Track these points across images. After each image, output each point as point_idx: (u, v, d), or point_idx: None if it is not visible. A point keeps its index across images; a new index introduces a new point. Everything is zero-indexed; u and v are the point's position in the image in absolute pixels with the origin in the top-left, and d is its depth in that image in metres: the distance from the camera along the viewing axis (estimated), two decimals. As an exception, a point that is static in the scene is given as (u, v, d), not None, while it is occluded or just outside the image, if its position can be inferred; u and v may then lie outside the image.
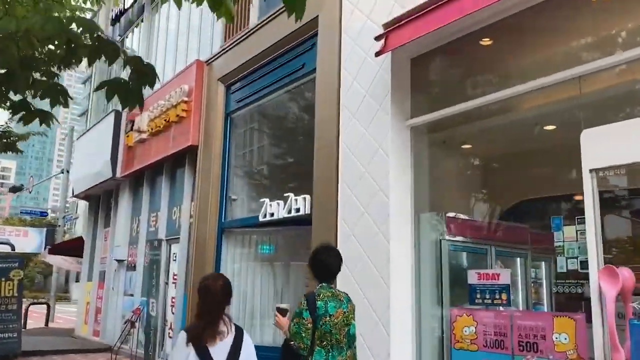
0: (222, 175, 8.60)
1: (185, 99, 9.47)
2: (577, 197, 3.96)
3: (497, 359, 4.27)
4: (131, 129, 11.63)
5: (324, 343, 3.47)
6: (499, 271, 4.49)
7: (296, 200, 6.73)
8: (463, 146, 6.02)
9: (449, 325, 4.72)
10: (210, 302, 2.93)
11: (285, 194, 6.95)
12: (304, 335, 3.43)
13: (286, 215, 6.89)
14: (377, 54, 5.12)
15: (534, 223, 5.88)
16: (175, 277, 9.30)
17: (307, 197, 6.59)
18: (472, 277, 4.59)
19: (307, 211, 6.55)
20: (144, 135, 11.01)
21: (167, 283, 8.78)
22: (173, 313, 9.24)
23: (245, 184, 8.73)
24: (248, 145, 8.84)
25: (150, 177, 11.41)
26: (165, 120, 10.01)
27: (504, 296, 4.38)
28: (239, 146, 8.84)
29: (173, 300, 9.25)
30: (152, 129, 10.53)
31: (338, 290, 3.73)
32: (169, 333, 9.06)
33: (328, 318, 3.48)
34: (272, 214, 7.17)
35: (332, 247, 4.09)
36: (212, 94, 9.06)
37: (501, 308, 4.39)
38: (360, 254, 5.40)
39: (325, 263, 3.74)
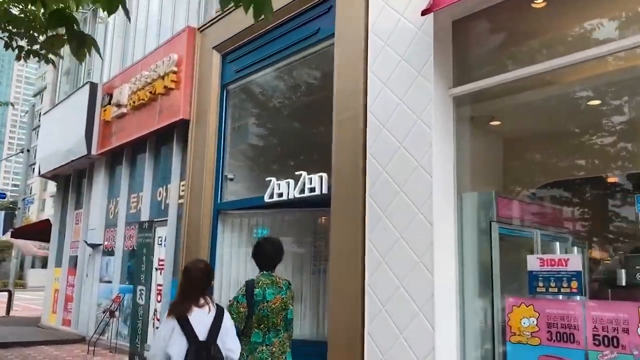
0: (217, 152, 7.88)
1: (175, 69, 8.66)
2: None
3: (566, 354, 3.81)
4: (109, 103, 10.71)
5: (262, 326, 3.81)
6: (567, 256, 4.01)
7: (310, 179, 6.11)
8: (505, 120, 5.49)
9: (503, 316, 4.24)
10: (190, 281, 3.29)
11: (297, 173, 6.32)
12: (235, 317, 3.70)
13: (298, 195, 6.26)
14: (424, 13, 4.52)
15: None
16: (161, 262, 8.55)
17: (324, 175, 5.97)
18: (533, 264, 4.10)
19: (324, 191, 5.93)
20: (124, 109, 10.14)
21: (157, 269, 8.03)
22: (159, 301, 8.51)
23: (245, 162, 8.05)
24: (249, 120, 8.15)
25: (131, 155, 10.55)
26: (150, 92, 9.18)
27: (573, 284, 3.89)
28: (238, 121, 8.13)
29: (159, 287, 8.51)
30: (134, 102, 9.67)
31: (279, 278, 4.03)
32: (153, 323, 8.33)
33: (266, 304, 3.81)
34: (280, 195, 6.52)
35: (273, 239, 4.33)
36: (205, 63, 8.28)
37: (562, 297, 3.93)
38: (394, 238, 4.84)
39: (266, 254, 4.08)
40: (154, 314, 8.00)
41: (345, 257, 5.34)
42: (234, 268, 7.59)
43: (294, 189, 6.34)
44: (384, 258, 4.92)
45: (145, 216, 9.39)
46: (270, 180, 6.68)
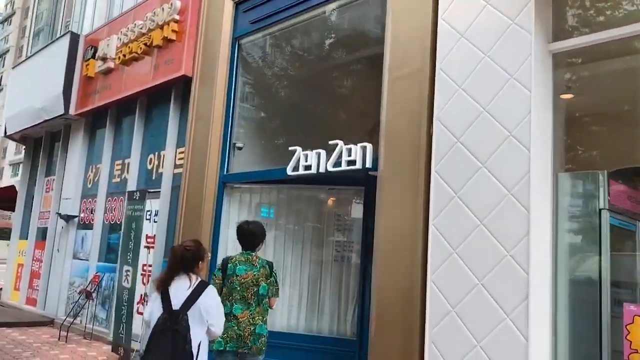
0: (226, 116, 6.76)
1: (177, 17, 7.47)
2: None
3: None
4: (92, 57, 9.41)
5: (230, 298, 4.12)
6: None
7: (349, 149, 5.09)
8: (608, 85, 4.54)
9: (617, 327, 3.36)
10: (173, 260, 3.51)
11: (332, 142, 5.29)
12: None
13: (332, 169, 5.24)
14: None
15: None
16: (150, 239, 7.41)
17: (368, 145, 4.97)
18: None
19: (368, 164, 4.93)
20: (112, 64, 8.88)
21: (145, 247, 6.87)
22: (145, 284, 7.38)
23: (258, 129, 6.98)
24: (266, 79, 7.06)
25: (117, 116, 9.29)
26: (145, 44, 7.95)
27: None
28: (253, 80, 7.03)
29: (145, 268, 7.38)
30: (124, 56, 8.42)
31: (255, 257, 4.27)
32: (137, 308, 7.22)
33: (235, 277, 4.14)
34: (308, 167, 5.48)
35: (254, 222, 4.52)
36: (214, 12, 7.12)
37: None
38: (472, 224, 3.89)
39: (244, 235, 4.36)
40: (142, 298, 6.89)
41: (398, 246, 4.37)
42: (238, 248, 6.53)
43: (326, 161, 5.32)
44: (455, 249, 3.97)
45: (132, 186, 8.20)
46: (295, 150, 5.63)
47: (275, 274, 4.32)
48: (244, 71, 7.03)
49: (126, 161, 8.72)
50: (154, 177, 8.00)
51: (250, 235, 4.32)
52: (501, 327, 3.63)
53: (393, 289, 4.36)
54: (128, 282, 6.61)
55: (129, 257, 6.69)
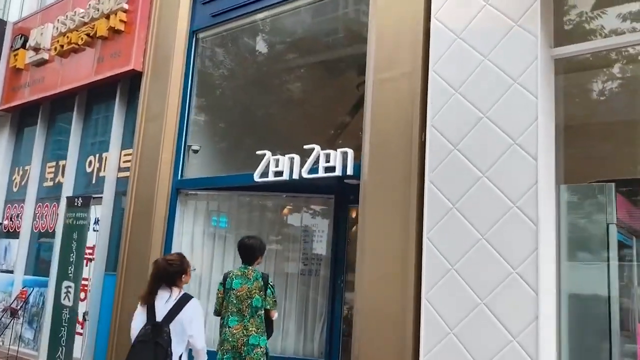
0: (181, 115, 6.18)
1: (126, 6, 6.78)
2: None
3: None
4: (23, 46, 8.47)
5: (227, 311, 4.27)
6: None
7: (327, 155, 4.70)
8: (606, 93, 4.39)
9: (632, 343, 3.18)
10: (156, 274, 3.52)
11: (307, 146, 4.89)
12: (216, 301, 4.45)
13: (307, 175, 4.83)
14: None
15: None
16: (90, 250, 6.65)
17: (349, 151, 4.61)
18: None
19: (350, 171, 4.57)
20: (46, 55, 8.00)
21: (91, 260, 6.09)
22: (83, 300, 6.59)
23: (218, 131, 6.45)
24: (227, 77, 6.54)
25: (50, 113, 8.39)
26: (88, 35, 7.19)
27: None
28: (212, 78, 6.49)
29: (85, 282, 6.61)
30: (61, 47, 7.59)
31: (251, 271, 4.35)
32: (86, 327, 6.39)
33: (232, 291, 4.29)
34: (279, 173, 5.04)
35: (253, 237, 4.63)
36: (169, 2, 6.53)
37: None
38: (472, 238, 3.61)
39: (244, 249, 4.45)
40: (83, 318, 6.11)
41: (386, 261, 4.02)
42: (196, 262, 5.96)
43: (300, 167, 4.91)
44: (453, 265, 3.67)
45: (68, 191, 7.38)
46: (264, 155, 5.17)
47: (272, 286, 4.38)
48: (202, 67, 6.49)
49: (60, 163, 7.87)
50: (94, 181, 7.23)
51: (247, 249, 4.42)
52: (507, 351, 3.35)
53: (381, 307, 4.00)
54: (69, 300, 5.85)
55: (69, 272, 5.93)
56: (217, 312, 4.40)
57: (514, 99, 3.62)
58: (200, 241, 6.10)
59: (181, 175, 6.12)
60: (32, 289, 7.51)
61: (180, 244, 5.98)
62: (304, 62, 6.23)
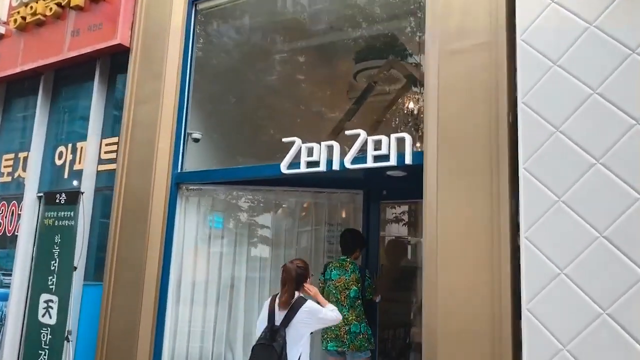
0: (180, 98, 5.31)
1: (108, -29, 5.83)
2: None
3: None
4: (-27, 19, 7.25)
5: (330, 300, 4.34)
6: None
7: (377, 142, 4.01)
8: None
9: None
10: (288, 278, 3.69)
11: (349, 132, 4.19)
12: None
13: (351, 166, 4.12)
14: None
15: None
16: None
17: (407, 137, 3.94)
18: None
19: (409, 160, 3.90)
20: (2, 29, 6.86)
21: (76, 268, 5.03)
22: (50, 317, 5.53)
23: (224, 117, 5.62)
24: (234, 55, 5.72)
25: (5, 96, 7.22)
26: (58, 4, 6.15)
27: None
28: (215, 56, 5.65)
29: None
30: (23, 19, 6.49)
31: (351, 263, 4.62)
32: (67, 348, 5.32)
33: (331, 282, 4.58)
34: (314, 164, 4.30)
35: (352, 230, 4.88)
36: (162, -32, 5.64)
37: None
38: (586, 237, 3.02)
39: (344, 241, 4.76)
40: (65, 338, 5.06)
41: (469, 269, 3.39)
42: (199, 269, 5.13)
43: (341, 156, 4.20)
44: (564, 269, 3.07)
45: (32, 187, 6.28)
46: (292, 142, 4.42)
47: (369, 277, 4.68)
48: (204, 44, 5.63)
49: (21, 155, 6.75)
50: (66, 176, 6.19)
51: (347, 241, 4.70)
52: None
53: (467, 326, 3.35)
54: (51, 317, 4.84)
55: (50, 283, 4.91)
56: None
57: (632, 72, 3.07)
58: (206, 244, 5.25)
59: (181, 168, 5.25)
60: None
61: (182, 247, 5.12)
62: (327, 39, 5.52)
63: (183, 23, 5.43)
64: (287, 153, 4.42)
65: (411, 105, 5.05)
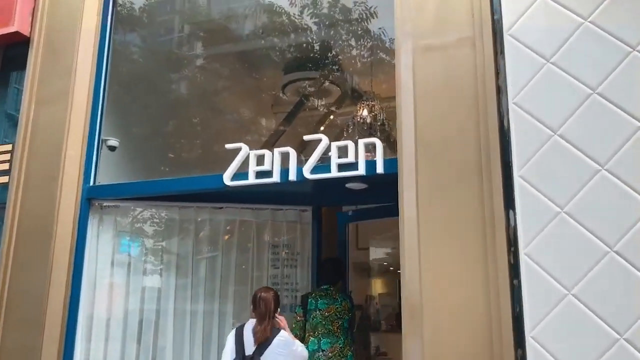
0: (94, 100, 4.47)
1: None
2: None
3: None
4: None
5: (316, 333, 4.08)
6: None
7: (343, 149, 3.50)
8: None
9: None
10: (264, 306, 3.42)
11: (307, 138, 3.64)
12: (295, 326, 4.14)
13: (311, 176, 3.55)
14: None
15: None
16: None
17: (378, 143, 3.46)
18: None
19: (381, 169, 3.41)
20: None
21: None
22: None
23: (145, 122, 4.82)
24: (159, 51, 4.98)
25: None
26: None
27: None
28: (137, 51, 4.86)
29: None
30: None
31: (335, 292, 4.20)
32: None
33: (318, 312, 4.09)
34: (265, 174, 3.68)
35: (334, 259, 4.49)
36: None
37: None
38: (595, 252, 2.69)
39: (325, 270, 4.34)
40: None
41: (460, 295, 2.94)
42: (117, 301, 4.28)
43: (297, 165, 3.63)
44: (571, 289, 2.71)
45: None
46: (239, 150, 3.78)
47: (354, 306, 4.37)
48: (123, 43, 4.85)
49: None
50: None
51: (329, 272, 4.29)
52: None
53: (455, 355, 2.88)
54: None
55: None
56: (299, 338, 3.99)
57: (633, 71, 2.82)
58: (124, 271, 4.39)
59: (94, 180, 4.38)
60: None
61: (95, 274, 4.23)
62: (258, 35, 4.99)
63: (99, 15, 4.63)
64: (229, 163, 3.78)
65: (365, 113, 4.60)
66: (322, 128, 5.84)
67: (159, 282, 4.40)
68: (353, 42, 5.71)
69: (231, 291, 4.44)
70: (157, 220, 4.59)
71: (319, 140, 3.58)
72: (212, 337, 4.41)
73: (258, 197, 4.46)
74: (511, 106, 3.02)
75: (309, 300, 4.16)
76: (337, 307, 4.12)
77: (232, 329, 3.64)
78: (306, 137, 3.65)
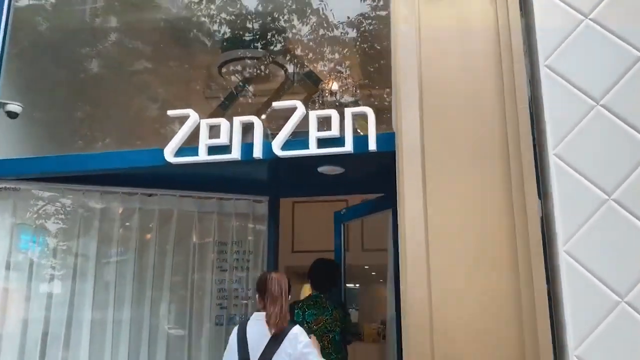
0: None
1: None
2: None
3: None
4: None
5: None
6: None
7: (325, 120, 2.79)
8: None
9: None
10: (279, 290, 2.78)
11: (277, 104, 2.89)
12: None
13: (283, 153, 2.80)
14: None
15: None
16: None
17: (369, 111, 2.77)
18: None
19: (373, 146, 2.72)
20: None
21: None
22: None
23: (52, 84, 3.85)
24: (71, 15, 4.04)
25: None
26: None
27: None
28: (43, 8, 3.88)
29: None
30: None
31: (326, 300, 3.62)
32: None
33: (306, 325, 3.48)
34: (219, 149, 2.88)
35: (327, 261, 3.86)
36: None
37: None
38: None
39: (316, 275, 3.75)
40: None
41: (482, 303, 2.32)
42: (15, 310, 3.29)
43: (265, 138, 2.87)
44: (625, 296, 2.17)
45: None
46: (187, 117, 2.95)
47: (348, 314, 3.90)
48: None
49: None
50: None
51: (321, 277, 3.71)
52: None
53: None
54: None
55: None
56: None
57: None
58: (24, 273, 3.38)
59: (-14, 155, 3.36)
60: None
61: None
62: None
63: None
64: (161, 141, 2.95)
65: (335, 87, 3.90)
66: (263, 117, 5.11)
67: (70, 286, 3.43)
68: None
69: (165, 297, 3.56)
70: (71, 209, 3.61)
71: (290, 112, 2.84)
72: (141, 351, 3.52)
73: (198, 182, 3.65)
74: (542, 69, 2.45)
75: (296, 311, 3.55)
76: (327, 319, 3.54)
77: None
78: (275, 104, 2.90)
